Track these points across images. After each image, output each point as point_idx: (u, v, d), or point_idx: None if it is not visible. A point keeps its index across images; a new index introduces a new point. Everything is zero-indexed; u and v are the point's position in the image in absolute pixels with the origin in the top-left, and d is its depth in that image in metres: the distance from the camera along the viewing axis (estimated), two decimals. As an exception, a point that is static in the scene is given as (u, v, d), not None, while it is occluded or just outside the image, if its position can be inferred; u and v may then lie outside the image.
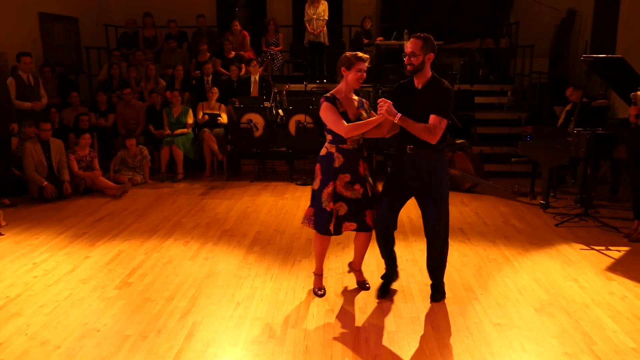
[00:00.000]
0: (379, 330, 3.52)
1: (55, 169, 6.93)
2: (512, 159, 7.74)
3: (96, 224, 5.82)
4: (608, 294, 4.06)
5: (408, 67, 3.58)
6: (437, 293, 3.95)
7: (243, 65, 9.23)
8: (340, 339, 3.42)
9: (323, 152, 3.81)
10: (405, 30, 9.53)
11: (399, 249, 4.99)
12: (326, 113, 3.69)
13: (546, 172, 6.32)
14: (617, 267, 4.59)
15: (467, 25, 10.18)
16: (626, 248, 5.07)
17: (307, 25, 9.48)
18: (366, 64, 3.70)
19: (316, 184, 3.83)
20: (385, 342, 3.37)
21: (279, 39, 9.84)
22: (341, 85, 3.76)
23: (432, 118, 3.52)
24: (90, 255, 4.88)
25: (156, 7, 10.40)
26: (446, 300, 3.95)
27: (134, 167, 7.73)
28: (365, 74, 3.71)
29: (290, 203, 6.65)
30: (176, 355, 3.24)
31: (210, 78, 8.96)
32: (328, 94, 3.76)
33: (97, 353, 3.26)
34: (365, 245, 4.06)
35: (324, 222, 3.78)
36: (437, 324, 3.59)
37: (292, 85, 8.87)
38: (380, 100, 3.58)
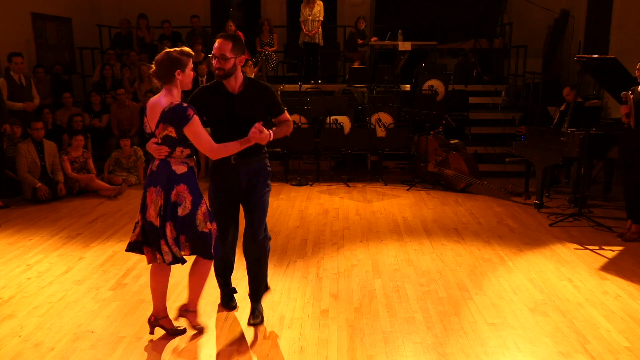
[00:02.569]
0: (374, 330, 3.52)
1: (49, 170, 6.91)
2: (506, 159, 7.77)
3: (90, 225, 5.80)
4: (602, 294, 4.08)
5: (217, 71, 3.28)
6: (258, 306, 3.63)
7: (237, 66, 9.21)
8: (336, 339, 3.43)
9: (183, 169, 3.23)
10: (400, 31, 9.55)
11: (394, 249, 5.01)
12: (200, 129, 3.17)
13: (540, 172, 6.34)
14: (611, 267, 4.61)
15: (460, 26, 10.21)
16: (619, 248, 5.10)
17: (303, 25, 9.48)
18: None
19: (188, 206, 3.23)
20: (380, 342, 3.38)
21: (273, 39, 9.83)
22: (178, 91, 3.21)
23: (286, 114, 3.49)
24: (84, 257, 4.86)
25: (150, 8, 10.38)
26: (441, 300, 3.96)
27: (128, 168, 7.70)
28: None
29: (285, 204, 6.65)
30: (171, 356, 3.23)
31: (204, 79, 8.94)
32: (185, 104, 3.18)
33: (92, 355, 3.24)
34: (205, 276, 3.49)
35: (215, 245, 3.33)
36: (431, 324, 3.60)
37: (286, 86, 8.87)
38: (257, 126, 3.17)
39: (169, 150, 3.19)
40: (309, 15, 9.40)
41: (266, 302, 3.94)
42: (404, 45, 9.50)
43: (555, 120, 7.07)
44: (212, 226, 3.29)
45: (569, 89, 6.94)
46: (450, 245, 5.11)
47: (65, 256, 4.88)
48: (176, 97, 3.18)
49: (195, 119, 3.12)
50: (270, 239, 3.67)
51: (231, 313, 3.77)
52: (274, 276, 4.40)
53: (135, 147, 7.79)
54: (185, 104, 3.15)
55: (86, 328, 3.56)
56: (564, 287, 4.19)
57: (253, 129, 3.17)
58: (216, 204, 3.48)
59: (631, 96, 5.13)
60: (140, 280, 4.32)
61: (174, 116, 3.10)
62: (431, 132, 7.67)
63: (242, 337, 3.46)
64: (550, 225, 5.74)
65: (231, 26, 9.72)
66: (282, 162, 8.42)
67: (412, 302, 3.92)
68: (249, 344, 3.37)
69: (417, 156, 7.89)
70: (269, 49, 9.74)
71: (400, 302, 3.92)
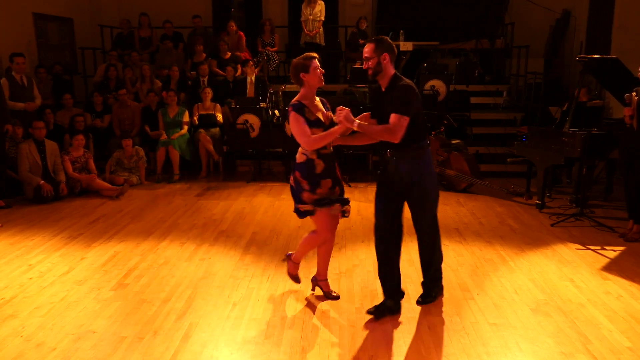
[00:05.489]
0: (376, 330, 3.52)
1: (50, 170, 6.91)
2: (508, 159, 7.77)
3: (92, 225, 5.80)
4: (604, 294, 4.07)
5: (368, 71, 3.59)
6: (428, 297, 3.91)
7: (239, 66, 9.22)
8: (337, 339, 3.42)
9: (301, 158, 3.64)
10: (401, 31, 9.54)
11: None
12: (294, 123, 3.56)
13: (542, 172, 6.33)
14: (613, 267, 4.61)
15: (462, 26, 10.20)
16: (621, 248, 5.09)
17: (303, 25, 9.48)
18: (317, 60, 3.63)
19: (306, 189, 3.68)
20: (382, 342, 3.38)
21: (274, 39, 9.84)
22: (305, 91, 3.64)
23: (392, 117, 3.47)
24: (85, 257, 4.86)
25: (151, 8, 10.38)
26: (442, 300, 3.95)
27: (129, 168, 7.71)
28: (321, 69, 3.65)
29: (286, 204, 6.64)
30: (172, 356, 3.23)
31: (206, 79, 8.95)
32: (295, 101, 3.61)
33: (93, 355, 3.25)
34: (330, 251, 4.00)
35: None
36: (433, 324, 3.59)
37: (288, 86, 8.86)
38: (339, 107, 3.49)
39: None
40: (310, 15, 9.40)
41: (267, 302, 3.94)
42: (406, 46, 9.49)
43: (558, 120, 7.06)
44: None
45: (585, 91, 7.07)
46: (452, 246, 5.11)
47: (66, 256, 4.88)
48: (302, 96, 3.63)
49: (293, 114, 3.55)
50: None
51: (232, 313, 3.77)
52: (276, 276, 4.41)
53: (137, 147, 7.79)
54: (293, 102, 3.59)
55: (88, 328, 3.56)
56: (566, 288, 4.18)
57: (337, 109, 3.49)
58: (380, 196, 3.72)
59: (635, 98, 5.11)
60: (142, 281, 4.32)
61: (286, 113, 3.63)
62: (433, 132, 7.66)
63: (243, 337, 3.45)
64: (552, 225, 5.74)
65: (232, 26, 9.73)
66: (283, 163, 8.42)
67: (413, 302, 3.91)
68: (249, 344, 3.37)
69: (418, 156, 7.87)
70: (271, 49, 9.74)
71: (401, 302, 3.91)
